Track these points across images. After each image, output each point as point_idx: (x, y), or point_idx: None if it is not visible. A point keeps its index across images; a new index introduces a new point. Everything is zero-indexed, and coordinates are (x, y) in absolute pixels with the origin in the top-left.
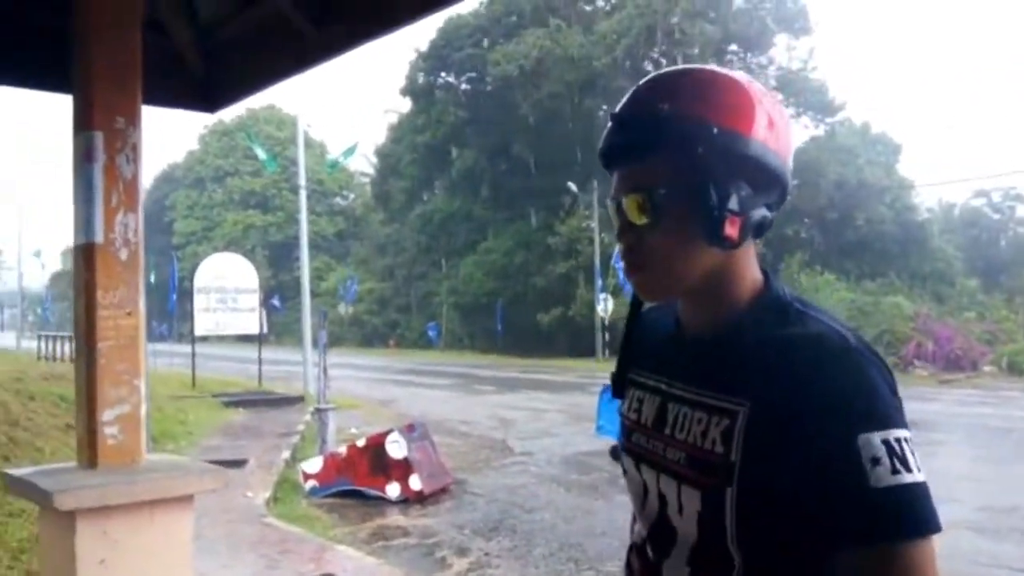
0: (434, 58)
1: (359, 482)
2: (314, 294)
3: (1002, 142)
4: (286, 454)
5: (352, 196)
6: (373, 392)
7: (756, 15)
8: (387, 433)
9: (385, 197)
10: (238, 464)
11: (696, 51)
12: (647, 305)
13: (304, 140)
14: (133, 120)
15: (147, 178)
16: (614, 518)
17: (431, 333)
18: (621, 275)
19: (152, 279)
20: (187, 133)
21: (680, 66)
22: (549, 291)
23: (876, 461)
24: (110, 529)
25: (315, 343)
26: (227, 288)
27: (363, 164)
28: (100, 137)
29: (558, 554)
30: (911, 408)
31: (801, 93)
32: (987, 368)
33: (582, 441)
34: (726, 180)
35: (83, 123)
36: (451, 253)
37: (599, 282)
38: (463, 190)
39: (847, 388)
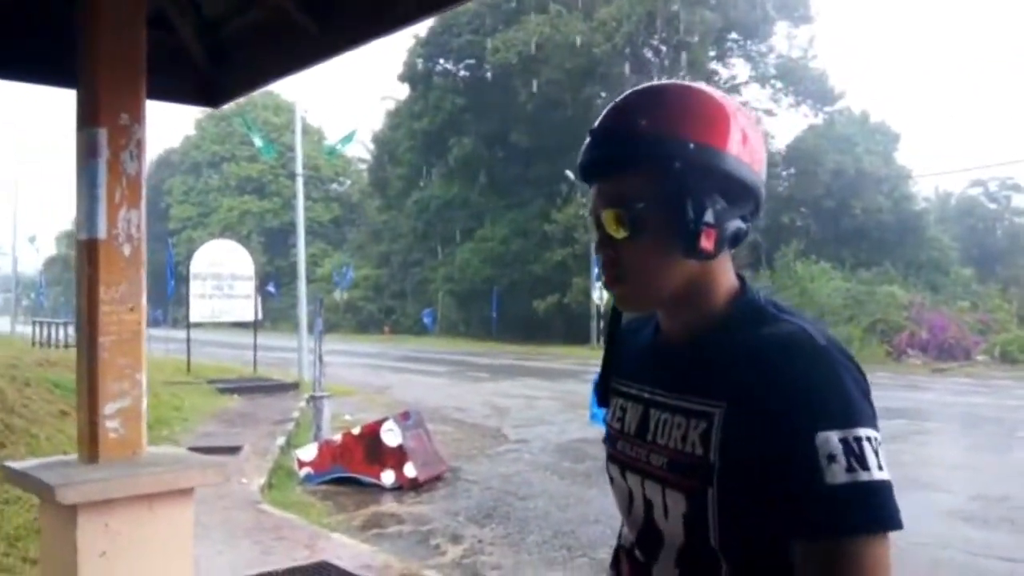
0: (432, 44)
1: (354, 469)
2: (310, 280)
3: (1000, 132)
4: (281, 441)
5: (349, 182)
6: (368, 379)
7: (757, 3)
8: (382, 421)
9: (382, 184)
10: (233, 451)
11: (696, 39)
12: (627, 315)
13: (301, 126)
14: (137, 116)
15: None
16: (607, 506)
17: (426, 320)
18: None
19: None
20: (183, 118)
21: (658, 82)
22: (545, 278)
23: (832, 458)
24: (111, 522)
25: (310, 329)
26: (223, 275)
27: (360, 150)
28: (104, 134)
29: (552, 541)
30: (904, 397)
31: (801, 82)
32: (980, 357)
33: (576, 429)
34: (702, 194)
35: (87, 119)
36: (447, 240)
37: (595, 270)
38: (460, 177)
39: (810, 386)
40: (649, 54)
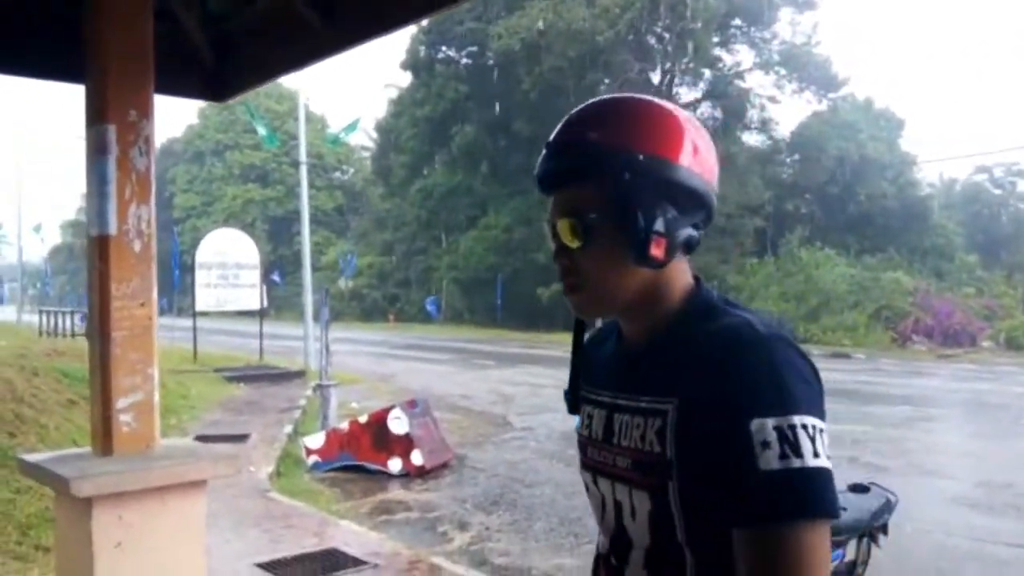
0: (435, 32)
1: (361, 457)
2: (314, 269)
3: (1005, 118)
4: (288, 429)
5: (352, 170)
6: (373, 367)
7: None
8: (389, 409)
9: (385, 172)
10: (241, 439)
11: (699, 25)
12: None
13: (304, 114)
14: (146, 112)
15: None
16: None
17: (430, 308)
18: None
19: None
20: (187, 107)
21: (612, 95)
22: (548, 266)
23: (766, 445)
24: (125, 514)
25: (316, 318)
26: (228, 264)
27: (363, 138)
28: (113, 130)
29: (558, 528)
30: (909, 383)
31: (805, 68)
32: (985, 343)
33: None
34: (652, 204)
35: (96, 116)
36: (451, 228)
37: None
38: (463, 165)
39: (747, 375)
40: (652, 41)
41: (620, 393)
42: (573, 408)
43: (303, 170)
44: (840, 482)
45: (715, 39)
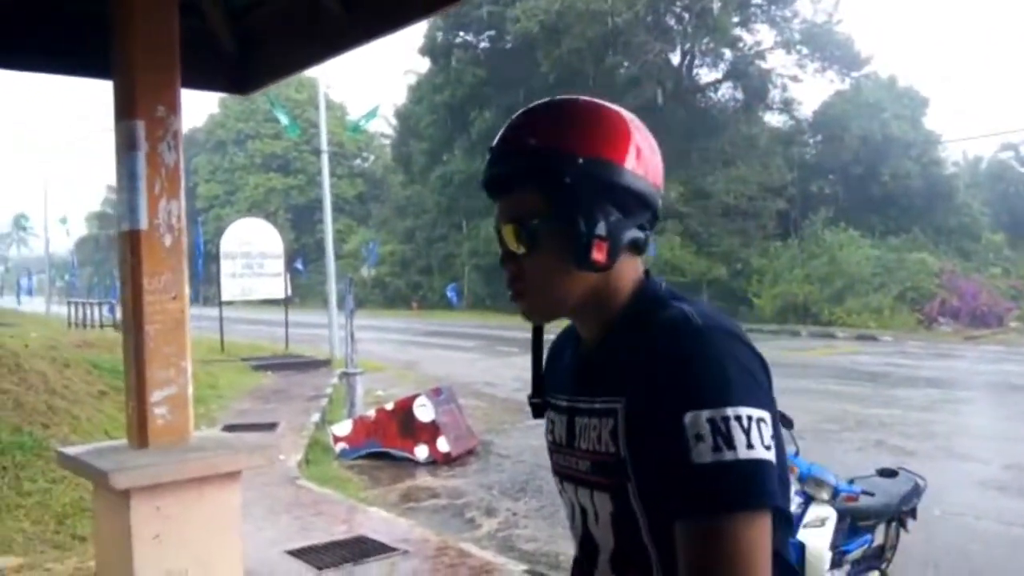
0: (452, 17)
1: (388, 444)
2: (337, 257)
3: None
4: (316, 417)
5: (372, 158)
6: (397, 354)
7: None
8: (415, 397)
9: (405, 159)
10: (269, 427)
11: (719, 4)
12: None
13: (325, 102)
14: (173, 107)
15: None
16: None
17: (451, 294)
18: None
19: None
20: (208, 97)
21: (553, 98)
22: None
23: (700, 438)
24: (162, 505)
25: (340, 306)
26: (253, 253)
27: (383, 125)
28: (142, 126)
29: None
30: (936, 365)
31: (826, 47)
32: (1013, 324)
33: None
34: (594, 208)
35: (125, 112)
36: (472, 214)
37: None
38: (483, 151)
39: (682, 367)
40: (672, 21)
41: (578, 396)
42: (537, 413)
43: (324, 159)
44: (868, 466)
45: (735, 18)
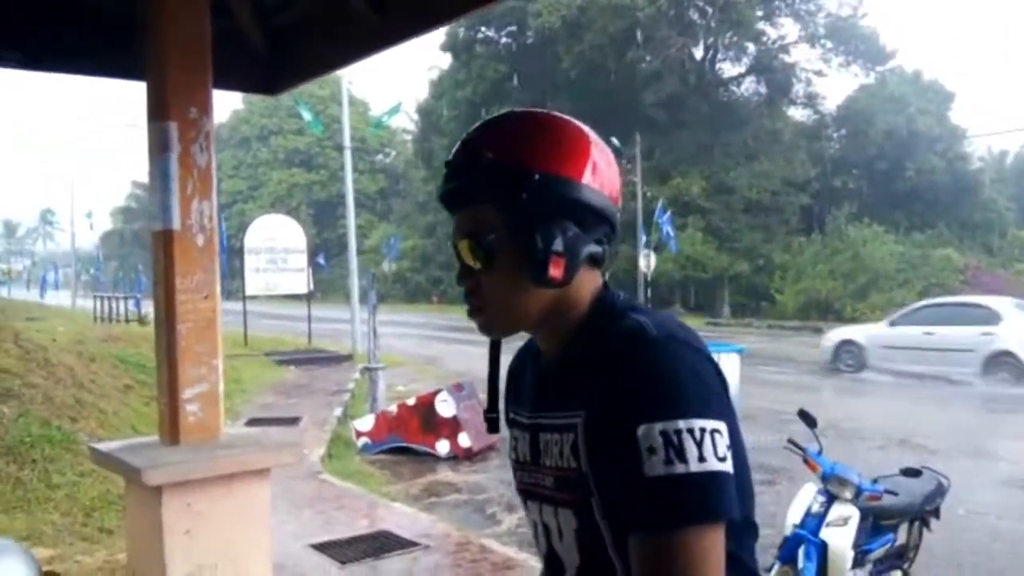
0: None
1: (410, 439)
2: (359, 252)
3: None
4: (338, 412)
5: (394, 153)
6: (418, 349)
7: None
8: (436, 392)
9: (427, 154)
10: (292, 421)
11: None
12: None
13: (347, 99)
14: (205, 109)
15: None
16: None
17: None
18: (664, 230)
19: None
20: (232, 93)
21: (511, 111)
22: None
23: (652, 451)
24: (193, 501)
25: (362, 300)
26: (276, 249)
27: (405, 121)
28: (175, 127)
29: None
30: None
31: (851, 40)
32: None
33: None
34: (551, 223)
35: (158, 113)
36: None
37: (643, 238)
38: None
39: (635, 380)
40: (695, 15)
41: (540, 412)
42: (493, 427)
43: (347, 155)
44: (892, 465)
45: (759, 12)
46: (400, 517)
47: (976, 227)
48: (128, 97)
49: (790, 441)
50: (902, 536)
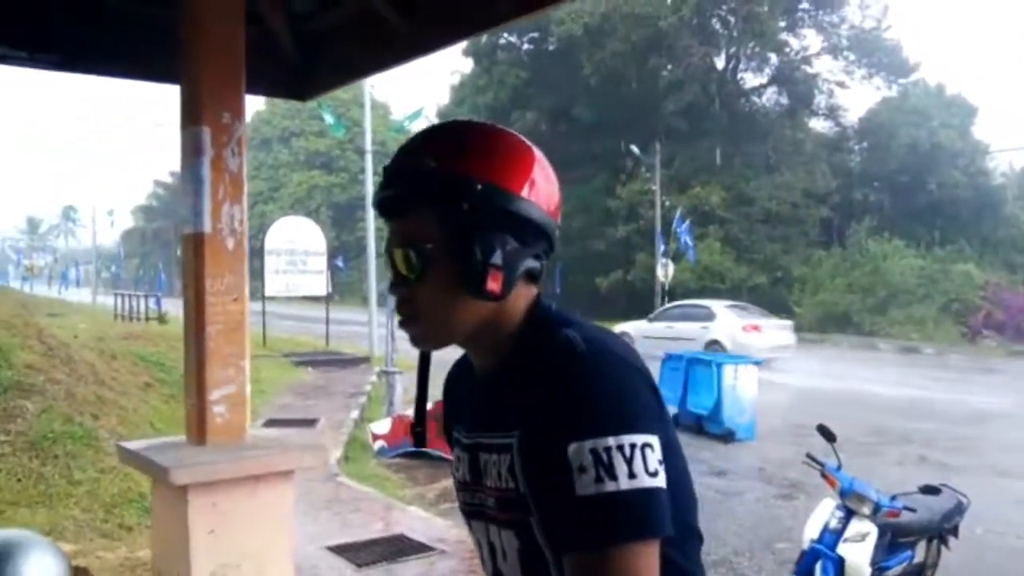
0: None
1: (426, 443)
2: (377, 254)
3: None
4: (355, 414)
5: None
6: (435, 353)
7: None
8: None
9: None
10: (310, 423)
11: (765, 8)
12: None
13: (369, 102)
14: (238, 114)
15: None
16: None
17: None
18: (682, 240)
19: None
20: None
21: (455, 120)
22: (608, 255)
23: (583, 470)
24: (218, 501)
25: (379, 303)
26: (296, 251)
27: (425, 125)
28: (208, 132)
29: None
30: (980, 380)
31: (874, 53)
32: None
33: None
34: (490, 235)
35: (191, 118)
36: None
37: (661, 247)
38: None
39: (564, 397)
40: (717, 25)
41: (477, 432)
42: (420, 441)
43: (368, 158)
44: (911, 483)
45: (782, 23)
46: (416, 521)
47: (998, 243)
48: (128, 97)
49: (808, 456)
50: (920, 554)
